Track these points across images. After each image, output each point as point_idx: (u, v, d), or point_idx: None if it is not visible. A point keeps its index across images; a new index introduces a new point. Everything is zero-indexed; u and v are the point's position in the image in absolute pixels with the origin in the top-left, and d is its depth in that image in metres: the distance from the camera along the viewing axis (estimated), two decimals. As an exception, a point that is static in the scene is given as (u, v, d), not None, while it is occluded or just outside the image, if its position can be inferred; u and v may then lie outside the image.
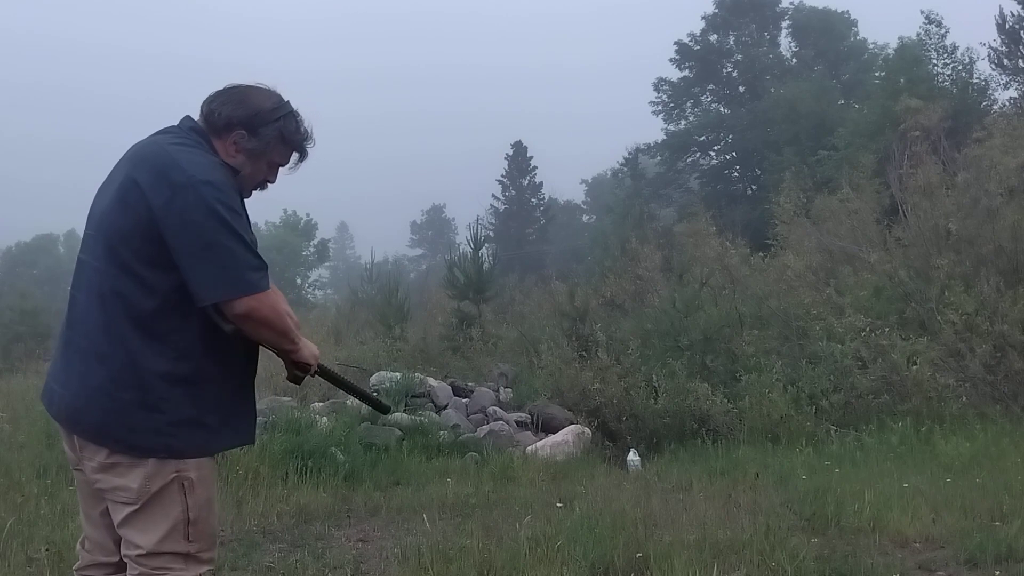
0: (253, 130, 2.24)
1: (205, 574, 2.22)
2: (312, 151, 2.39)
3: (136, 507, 2.13)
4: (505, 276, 21.56)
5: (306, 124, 2.34)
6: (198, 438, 2.17)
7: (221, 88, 2.30)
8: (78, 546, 2.39)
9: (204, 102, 2.28)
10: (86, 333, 2.15)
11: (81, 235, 2.32)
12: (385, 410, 2.81)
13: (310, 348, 2.31)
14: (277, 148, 2.29)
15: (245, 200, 2.26)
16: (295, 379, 2.38)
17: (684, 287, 12.60)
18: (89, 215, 2.26)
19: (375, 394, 2.82)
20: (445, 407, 9.05)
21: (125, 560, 2.18)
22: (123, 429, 2.10)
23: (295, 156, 2.36)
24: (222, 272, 2.05)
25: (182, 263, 2.06)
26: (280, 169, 2.37)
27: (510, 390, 10.26)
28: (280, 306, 2.18)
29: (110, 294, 2.11)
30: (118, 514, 2.16)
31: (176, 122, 2.32)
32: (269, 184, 2.38)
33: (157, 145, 2.20)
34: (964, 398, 8.42)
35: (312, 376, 2.39)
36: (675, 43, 37.31)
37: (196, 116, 2.31)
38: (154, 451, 2.12)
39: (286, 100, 2.32)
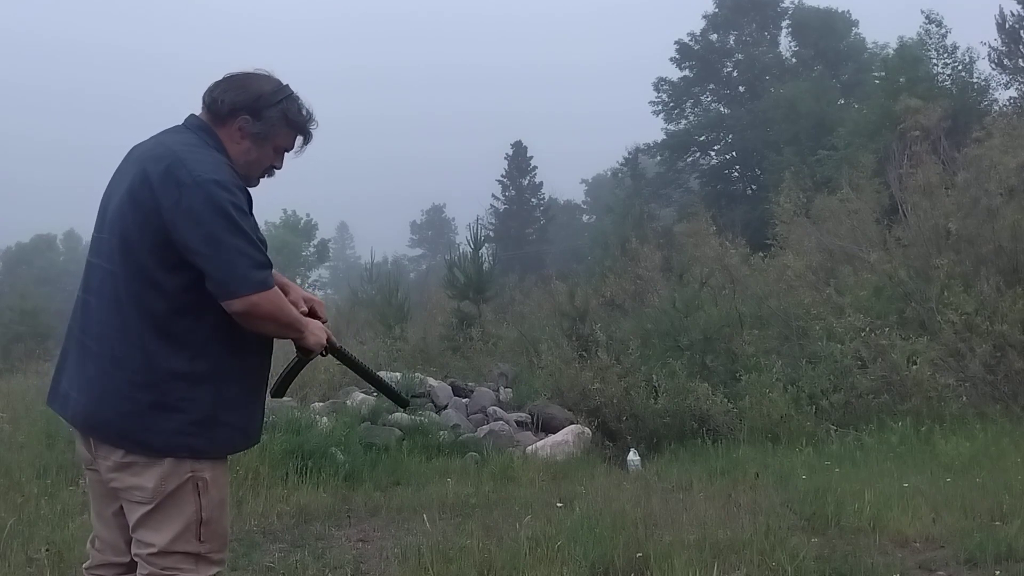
0: (257, 114, 2.25)
1: (216, 575, 2.22)
2: (316, 139, 2.40)
3: (150, 506, 2.13)
4: (505, 276, 21.56)
5: (307, 106, 2.34)
6: (218, 437, 2.18)
7: (221, 77, 2.30)
8: (88, 545, 2.39)
9: (206, 92, 2.29)
10: (100, 336, 2.15)
11: (81, 235, 2.33)
12: (404, 403, 2.82)
13: (316, 336, 2.31)
14: (282, 131, 2.30)
15: (252, 197, 2.26)
16: (302, 361, 2.40)
17: (684, 287, 12.60)
18: (99, 217, 2.26)
19: (394, 386, 2.79)
20: (445, 407, 9.05)
21: (136, 559, 2.18)
22: (142, 431, 2.10)
23: (299, 139, 2.36)
24: (228, 270, 2.07)
25: (195, 261, 2.07)
26: (286, 154, 2.38)
27: (510, 390, 10.26)
28: (281, 299, 2.19)
29: (125, 296, 2.12)
30: (133, 514, 2.17)
31: (179, 122, 2.32)
32: (276, 170, 2.38)
33: (164, 146, 2.19)
34: (964, 398, 8.42)
35: (324, 356, 2.40)
36: (675, 42, 37.36)
37: (198, 113, 2.31)
38: (174, 451, 2.12)
39: (285, 83, 2.33)
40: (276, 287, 2.17)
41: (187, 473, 2.14)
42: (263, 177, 2.37)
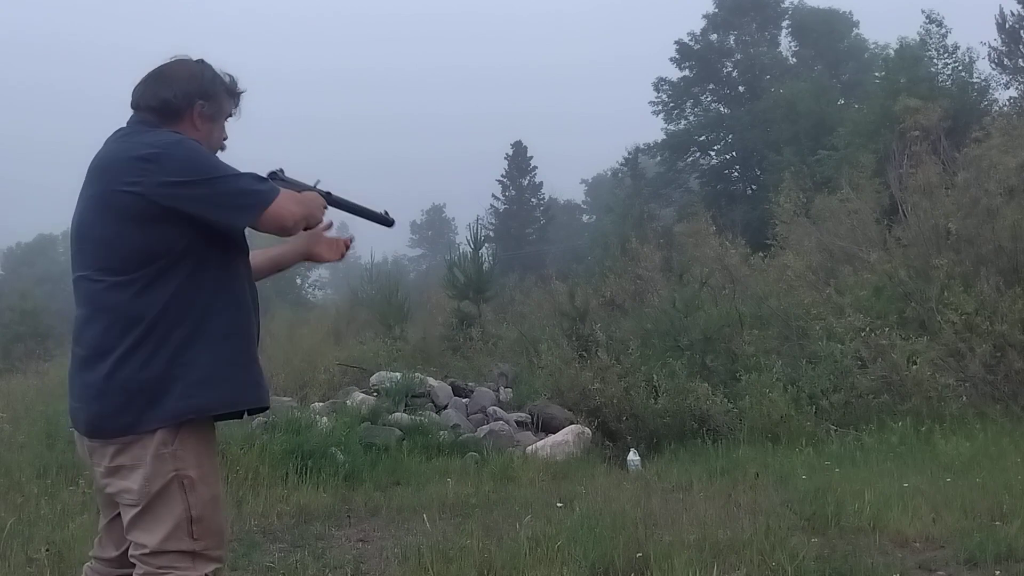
0: (206, 94, 2.30)
1: (215, 571, 2.23)
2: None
3: (139, 508, 2.16)
4: (505, 276, 21.57)
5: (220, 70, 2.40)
6: (223, 393, 2.20)
7: (147, 78, 2.31)
8: (96, 540, 2.44)
9: (141, 97, 2.28)
10: (87, 343, 2.19)
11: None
12: (389, 223, 2.86)
13: (328, 247, 2.59)
14: (226, 101, 2.37)
15: None
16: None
17: (684, 287, 12.58)
18: (72, 232, 2.30)
19: (383, 212, 2.90)
20: (445, 407, 9.05)
21: (132, 560, 2.21)
22: (137, 411, 2.13)
23: (232, 102, 2.41)
24: (237, 198, 2.14)
25: (203, 214, 2.12)
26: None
27: (510, 390, 10.26)
28: (292, 195, 2.26)
29: (103, 294, 2.16)
30: (125, 516, 2.21)
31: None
32: (225, 143, 2.42)
33: (114, 149, 2.23)
34: (964, 398, 8.41)
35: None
36: (675, 42, 37.34)
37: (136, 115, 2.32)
38: (180, 414, 2.14)
39: (198, 57, 2.38)
40: (280, 189, 2.22)
41: (170, 472, 2.15)
42: (218, 151, 2.40)
